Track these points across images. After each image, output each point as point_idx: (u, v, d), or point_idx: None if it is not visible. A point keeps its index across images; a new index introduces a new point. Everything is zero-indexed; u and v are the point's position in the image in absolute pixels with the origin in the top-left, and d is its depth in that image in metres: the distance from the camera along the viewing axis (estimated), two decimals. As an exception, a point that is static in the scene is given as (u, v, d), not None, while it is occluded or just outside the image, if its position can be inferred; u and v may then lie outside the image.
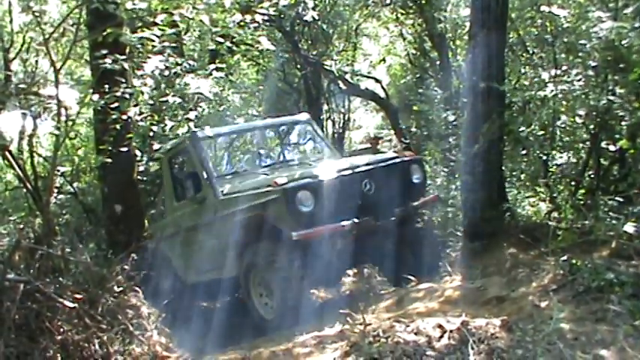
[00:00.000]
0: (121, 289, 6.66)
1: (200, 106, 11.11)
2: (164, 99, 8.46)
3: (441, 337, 4.61)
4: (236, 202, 8.02)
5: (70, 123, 9.08)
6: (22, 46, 12.98)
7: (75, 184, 13.61)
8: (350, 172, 7.75)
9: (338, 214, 7.42)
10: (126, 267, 6.94)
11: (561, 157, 8.43)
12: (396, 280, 8.41)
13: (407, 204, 8.01)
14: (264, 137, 9.86)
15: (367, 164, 7.97)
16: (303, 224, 7.27)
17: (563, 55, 8.30)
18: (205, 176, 8.59)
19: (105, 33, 7.45)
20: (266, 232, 7.62)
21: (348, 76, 17.69)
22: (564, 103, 7.75)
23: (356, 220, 7.47)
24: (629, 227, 5.75)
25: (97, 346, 5.74)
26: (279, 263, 7.31)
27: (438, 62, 15.89)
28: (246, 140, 9.77)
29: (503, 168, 8.36)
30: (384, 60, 19.23)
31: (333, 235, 7.48)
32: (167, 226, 9.81)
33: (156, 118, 9.45)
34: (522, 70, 9.27)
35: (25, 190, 11.80)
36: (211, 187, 8.49)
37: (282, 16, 13.98)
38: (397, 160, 8.24)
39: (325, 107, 19.51)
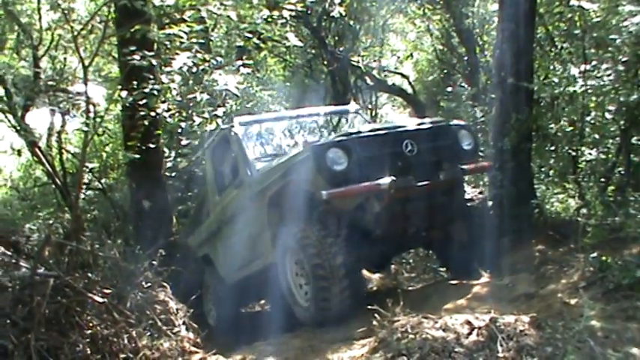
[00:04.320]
0: (149, 284, 6.71)
1: (228, 103, 11.13)
2: (192, 95, 8.46)
3: (470, 333, 4.58)
4: (270, 174, 7.41)
5: (98, 119, 9.19)
6: (50, 43, 13.14)
7: (103, 181, 13.77)
8: (387, 130, 6.97)
9: (375, 175, 6.43)
10: (154, 262, 6.97)
11: (590, 153, 8.36)
12: (444, 261, 8.16)
13: (454, 168, 6.88)
14: (309, 125, 9.23)
15: (409, 124, 7.29)
16: (335, 184, 6.40)
17: (592, 50, 8.24)
18: (242, 158, 8.10)
19: (133, 30, 7.50)
20: (299, 199, 6.86)
21: (375, 72, 17.71)
22: (594, 98, 7.69)
23: (394, 179, 6.36)
24: (660, 224, 5.70)
25: (125, 341, 5.76)
26: (312, 234, 6.54)
27: (465, 58, 15.82)
28: (289, 127, 9.28)
29: (531, 164, 8.31)
30: (411, 56, 19.14)
31: (369, 195, 6.55)
32: (210, 226, 9.32)
33: (184, 114, 9.47)
34: (551, 66, 9.21)
35: (54, 186, 12.01)
36: (247, 167, 7.94)
37: (309, 12, 13.99)
38: (443, 123, 7.41)
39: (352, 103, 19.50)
